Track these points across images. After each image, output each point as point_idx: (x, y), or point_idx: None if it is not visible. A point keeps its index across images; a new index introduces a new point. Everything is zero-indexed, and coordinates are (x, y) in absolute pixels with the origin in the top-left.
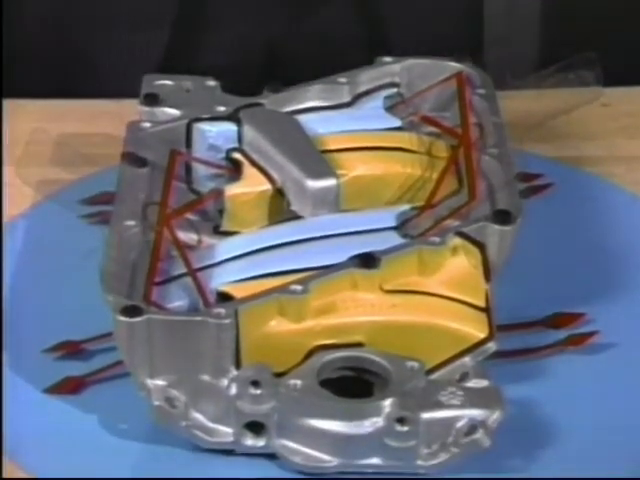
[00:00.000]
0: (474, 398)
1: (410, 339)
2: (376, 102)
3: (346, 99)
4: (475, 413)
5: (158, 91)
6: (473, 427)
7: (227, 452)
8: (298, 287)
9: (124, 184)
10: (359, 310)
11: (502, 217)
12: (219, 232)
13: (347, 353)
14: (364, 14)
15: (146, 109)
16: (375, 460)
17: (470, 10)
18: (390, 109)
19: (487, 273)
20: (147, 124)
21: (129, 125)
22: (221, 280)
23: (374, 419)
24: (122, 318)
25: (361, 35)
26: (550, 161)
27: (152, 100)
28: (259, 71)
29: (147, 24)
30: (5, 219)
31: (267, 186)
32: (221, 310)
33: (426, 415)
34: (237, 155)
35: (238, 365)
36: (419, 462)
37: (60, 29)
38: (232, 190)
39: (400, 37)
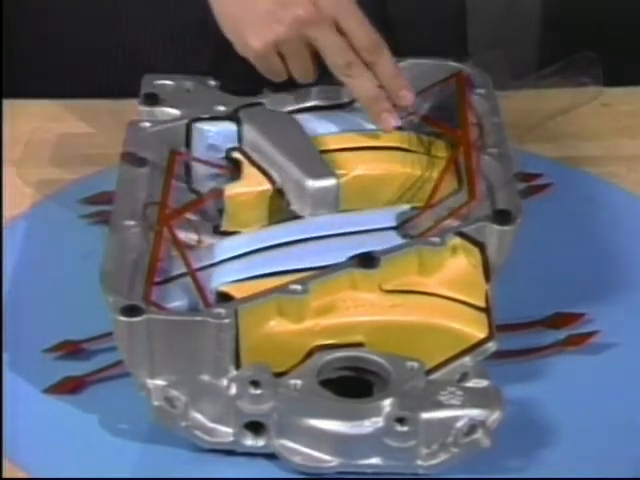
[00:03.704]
0: (474, 398)
1: (410, 339)
2: None
3: (346, 99)
4: (475, 413)
5: (158, 91)
6: (473, 427)
7: (227, 452)
8: (298, 287)
9: (124, 184)
10: (359, 310)
11: (502, 217)
12: (219, 232)
13: (347, 353)
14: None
15: (146, 109)
16: (375, 460)
17: (472, 10)
18: None
19: (487, 273)
20: (147, 124)
21: (129, 125)
22: (221, 280)
23: (374, 419)
24: (122, 318)
25: None
26: (550, 161)
27: (152, 100)
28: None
29: (147, 24)
30: (5, 219)
31: (267, 186)
32: (221, 310)
33: (426, 415)
34: (237, 155)
35: (238, 365)
36: (419, 462)
37: (60, 29)
38: (232, 190)
39: (401, 38)
